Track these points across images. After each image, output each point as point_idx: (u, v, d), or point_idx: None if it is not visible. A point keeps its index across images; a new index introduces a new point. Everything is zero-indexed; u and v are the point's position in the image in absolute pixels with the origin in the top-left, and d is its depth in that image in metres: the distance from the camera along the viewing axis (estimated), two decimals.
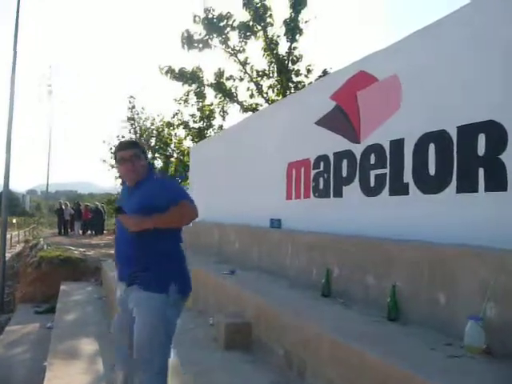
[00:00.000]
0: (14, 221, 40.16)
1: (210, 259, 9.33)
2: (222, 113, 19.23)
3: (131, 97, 25.91)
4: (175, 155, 24.21)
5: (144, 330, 3.24)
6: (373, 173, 5.85)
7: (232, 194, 10.43)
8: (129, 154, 3.44)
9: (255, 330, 5.34)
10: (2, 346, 8.39)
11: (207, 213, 10.89)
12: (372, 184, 5.86)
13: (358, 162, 6.13)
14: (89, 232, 26.37)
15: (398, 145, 5.44)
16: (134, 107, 25.85)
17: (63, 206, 26.49)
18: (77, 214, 26.28)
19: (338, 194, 6.55)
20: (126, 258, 3.47)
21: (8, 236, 25.96)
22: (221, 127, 19.96)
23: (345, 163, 6.42)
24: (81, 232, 26.12)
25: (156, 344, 3.23)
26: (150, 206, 3.27)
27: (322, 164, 6.98)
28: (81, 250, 15.52)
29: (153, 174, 3.64)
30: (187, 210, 3.30)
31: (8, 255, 22.07)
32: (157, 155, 25.23)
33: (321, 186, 6.99)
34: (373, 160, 5.87)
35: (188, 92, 18.52)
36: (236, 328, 5.35)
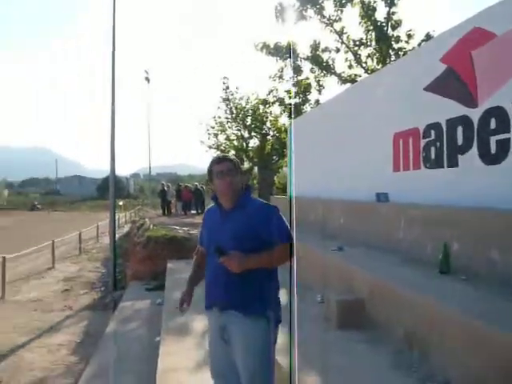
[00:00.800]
0: (121, 203, 42.24)
1: (315, 235, 9.13)
2: (318, 87, 18.77)
3: (225, 77, 26.11)
4: (271, 133, 24.14)
5: (254, 360, 2.95)
6: (493, 139, 5.35)
7: (334, 168, 10.15)
8: (226, 166, 3.06)
9: (368, 308, 5.11)
10: (118, 321, 8.73)
11: (309, 188, 10.69)
12: (493, 151, 5.36)
13: (476, 127, 5.64)
14: (192, 211, 27.05)
15: None
16: (228, 88, 26.04)
17: (165, 188, 27.37)
18: (177, 194, 27.04)
19: (453, 163, 6.09)
20: (218, 284, 3.05)
21: (116, 217, 27.44)
22: (317, 102, 19.56)
23: (460, 130, 5.95)
24: (182, 212, 26.88)
25: (266, 371, 2.99)
26: (247, 236, 2.96)
27: (432, 132, 6.52)
28: (184, 229, 15.91)
29: (250, 194, 3.22)
30: (287, 253, 3.00)
31: (117, 235, 23.37)
32: (253, 134, 25.31)
33: (432, 155, 6.54)
34: (493, 125, 5.36)
35: (282, 68, 18.27)
36: (348, 305, 5.15)
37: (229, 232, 2.99)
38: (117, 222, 30.33)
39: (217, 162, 3.11)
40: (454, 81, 6.04)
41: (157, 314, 8.50)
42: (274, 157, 25.82)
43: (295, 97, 20.15)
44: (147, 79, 40.87)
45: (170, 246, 13.24)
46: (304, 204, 10.73)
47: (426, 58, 6.80)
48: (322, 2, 15.71)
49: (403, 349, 4.30)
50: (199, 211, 26.58)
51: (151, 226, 16.58)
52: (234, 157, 3.25)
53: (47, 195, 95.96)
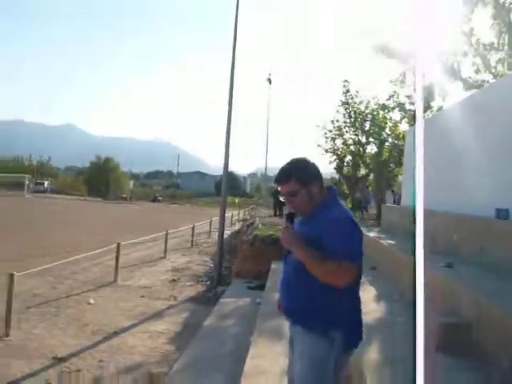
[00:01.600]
0: (236, 200, 43.25)
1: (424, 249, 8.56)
2: (442, 92, 17.77)
3: (345, 81, 25.69)
4: (390, 140, 23.34)
5: (303, 382, 2.70)
6: None
7: (449, 178, 9.47)
8: (286, 189, 2.87)
9: (475, 333, 4.62)
10: (216, 316, 8.81)
11: (425, 199, 10.09)
12: None
13: None
14: None
15: None
16: (348, 91, 25.60)
17: (278, 189, 27.52)
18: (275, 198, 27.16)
19: None
20: (287, 289, 2.91)
21: (229, 214, 28.23)
22: (440, 108, 18.55)
23: None
24: None
25: None
26: (312, 240, 2.71)
27: None
28: None
29: (333, 199, 2.90)
30: (342, 272, 2.59)
31: (228, 232, 23.90)
32: (371, 140, 24.65)
33: None
34: None
35: (404, 71, 17.55)
36: (453, 329, 4.70)
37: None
38: (230, 219, 31.20)
39: (277, 182, 2.95)
40: None
41: (255, 313, 8.42)
42: (391, 164, 24.95)
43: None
44: (269, 80, 41.48)
45: (275, 246, 13.19)
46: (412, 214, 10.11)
47: None
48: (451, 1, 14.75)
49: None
50: None
51: (260, 225, 16.68)
52: (294, 167, 2.87)
53: (168, 188, 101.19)
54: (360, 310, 2.85)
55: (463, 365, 4.32)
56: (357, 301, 2.82)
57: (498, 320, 4.30)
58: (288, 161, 2.94)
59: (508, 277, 5.85)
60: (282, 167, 2.91)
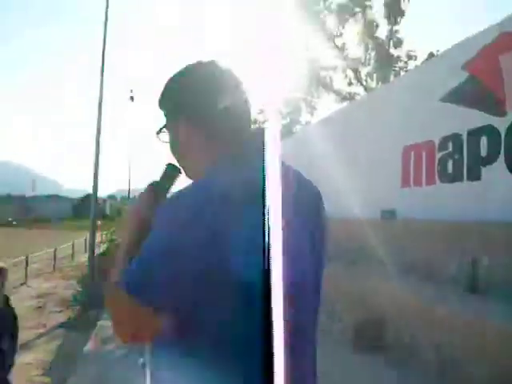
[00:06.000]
0: (99, 223, 41.36)
1: None
2: (309, 109, 18.37)
3: None
4: None
5: None
6: None
7: (335, 183, 9.68)
8: None
9: (389, 329, 4.59)
10: (96, 340, 8.10)
11: None
12: None
13: (503, 136, 5.24)
14: None
15: None
16: None
17: None
18: None
19: (475, 176, 5.67)
20: None
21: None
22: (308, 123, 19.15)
23: (483, 141, 5.54)
24: None
25: None
26: None
27: (450, 145, 6.12)
28: None
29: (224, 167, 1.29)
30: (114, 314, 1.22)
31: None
32: None
33: (449, 169, 6.13)
34: None
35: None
36: (366, 326, 4.63)
37: None
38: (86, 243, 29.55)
39: None
40: (478, 89, 5.68)
41: None
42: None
43: (284, 117, 19.64)
44: (132, 98, 40.33)
45: None
46: None
47: (443, 67, 6.45)
48: (324, 16, 15.33)
49: (431, 371, 3.79)
50: None
51: None
52: (170, 81, 1.36)
53: (21, 212, 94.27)
54: None
55: (379, 359, 4.24)
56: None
57: (416, 314, 4.30)
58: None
59: (403, 275, 5.97)
60: None
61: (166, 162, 1.50)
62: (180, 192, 1.22)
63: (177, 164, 1.45)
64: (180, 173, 1.46)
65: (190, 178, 1.41)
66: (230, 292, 1.10)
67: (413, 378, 3.83)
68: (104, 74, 13.25)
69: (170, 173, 1.48)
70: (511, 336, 3.26)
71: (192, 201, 1.16)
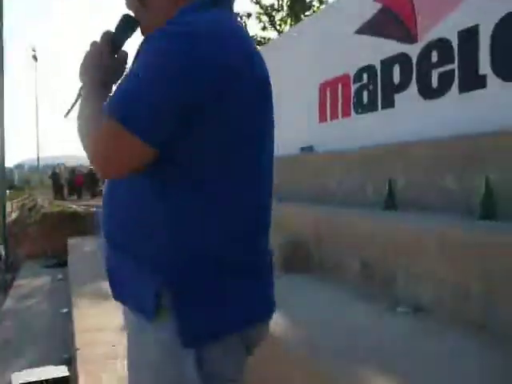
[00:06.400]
0: (7, 192, 39.30)
1: None
2: None
3: None
4: None
5: None
6: (436, 72, 5.14)
7: None
8: None
9: (313, 249, 4.73)
10: (15, 299, 7.81)
11: None
12: (435, 85, 5.16)
13: (415, 63, 5.41)
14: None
15: (469, 34, 4.72)
16: None
17: (57, 171, 25.68)
18: (70, 179, 25.69)
19: (388, 104, 5.85)
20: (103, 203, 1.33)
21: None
22: None
23: (396, 69, 5.71)
24: (75, 197, 25.37)
25: None
26: None
27: (365, 76, 6.26)
28: (83, 206, 14.79)
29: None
30: (97, 141, 1.15)
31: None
32: None
33: (364, 100, 6.29)
34: (435, 58, 5.15)
35: None
36: (293, 248, 4.74)
37: None
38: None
39: None
40: (390, 18, 5.80)
41: (59, 289, 7.96)
42: None
43: None
44: (35, 58, 38.06)
45: (69, 222, 12.20)
46: None
47: (354, 2, 6.54)
48: None
49: (361, 282, 3.96)
50: (92, 196, 25.21)
51: (47, 203, 15.24)
52: None
53: None
54: (255, 238, 1.32)
55: (309, 278, 4.37)
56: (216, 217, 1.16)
57: (338, 232, 4.43)
58: None
59: (326, 204, 6.12)
60: None
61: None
62: (188, 21, 1.12)
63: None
64: (138, 24, 1.31)
65: (148, 29, 1.27)
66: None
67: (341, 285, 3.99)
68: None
69: (127, 23, 1.32)
70: (420, 235, 3.46)
71: (211, 32, 1.11)
